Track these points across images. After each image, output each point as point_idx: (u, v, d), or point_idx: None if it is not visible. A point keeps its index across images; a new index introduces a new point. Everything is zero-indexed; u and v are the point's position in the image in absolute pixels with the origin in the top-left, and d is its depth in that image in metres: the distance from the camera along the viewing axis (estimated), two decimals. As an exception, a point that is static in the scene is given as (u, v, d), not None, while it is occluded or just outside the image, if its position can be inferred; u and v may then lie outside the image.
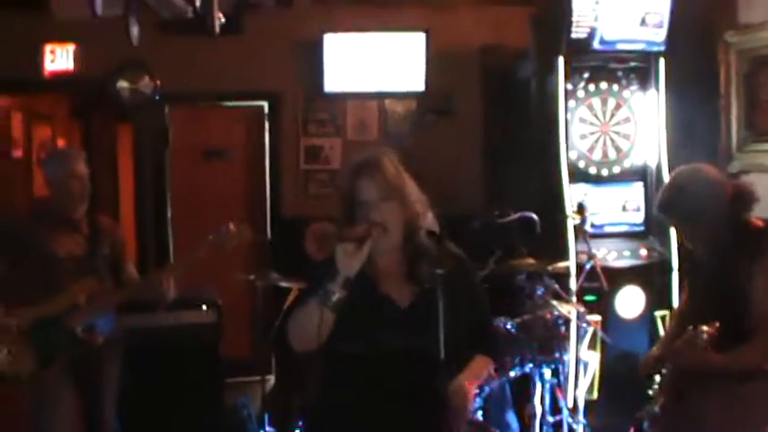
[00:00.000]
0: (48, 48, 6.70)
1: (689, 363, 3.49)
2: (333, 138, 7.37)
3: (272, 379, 6.87)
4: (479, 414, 4.93)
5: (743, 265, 3.49)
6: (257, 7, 6.60)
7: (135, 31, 4.59)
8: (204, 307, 5.79)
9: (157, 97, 6.89)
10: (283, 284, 5.36)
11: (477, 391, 4.22)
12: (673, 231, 5.96)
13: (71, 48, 6.75)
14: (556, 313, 5.23)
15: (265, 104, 7.38)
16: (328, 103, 7.30)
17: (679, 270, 6.00)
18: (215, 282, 5.99)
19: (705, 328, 3.36)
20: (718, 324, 3.35)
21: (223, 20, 4.74)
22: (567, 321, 5.38)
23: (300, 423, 5.08)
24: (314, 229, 7.08)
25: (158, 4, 4.36)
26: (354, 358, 2.94)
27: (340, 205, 3.01)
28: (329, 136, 7.37)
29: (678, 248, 6.01)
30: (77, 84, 6.86)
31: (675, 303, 5.88)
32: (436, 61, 7.15)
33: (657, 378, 3.86)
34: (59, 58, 6.75)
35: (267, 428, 5.41)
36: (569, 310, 5.34)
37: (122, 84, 6.80)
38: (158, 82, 6.82)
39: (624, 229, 6.39)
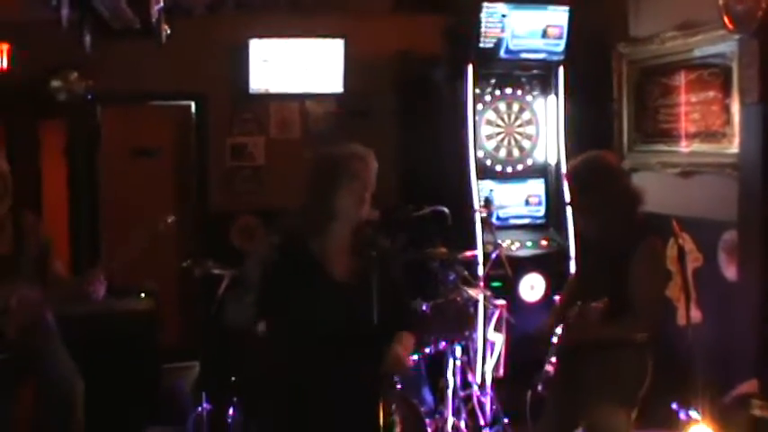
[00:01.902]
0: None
1: (581, 334, 4.03)
2: (257, 136, 7.64)
3: (197, 365, 7.20)
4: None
5: (626, 252, 4.05)
6: (188, 13, 6.87)
7: (88, 38, 4.90)
8: (142, 294, 6.09)
9: (90, 97, 7.10)
10: (217, 272, 5.68)
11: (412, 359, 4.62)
12: (570, 223, 6.55)
13: (5, 47, 6.82)
14: (465, 297, 5.72)
15: (192, 104, 7.59)
16: (253, 103, 7.55)
17: (574, 259, 6.55)
18: (146, 271, 6.29)
19: (595, 304, 3.92)
20: (607, 300, 3.89)
21: (169, 31, 5.10)
22: (475, 304, 5.89)
23: (235, 399, 5.51)
24: (240, 223, 7.48)
25: (111, 16, 4.71)
26: (300, 328, 3.39)
27: (323, 181, 3.44)
28: (253, 134, 7.63)
29: (575, 239, 6.53)
30: (9, 83, 6.85)
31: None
32: (354, 65, 7.47)
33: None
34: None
35: (204, 405, 5.71)
36: (477, 294, 5.85)
37: (56, 83, 6.90)
38: (90, 82, 7.03)
39: (527, 221, 6.88)
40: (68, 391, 4.61)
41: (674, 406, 5.47)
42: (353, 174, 3.41)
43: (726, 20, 5.18)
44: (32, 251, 4.49)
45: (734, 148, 5.66)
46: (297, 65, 7.49)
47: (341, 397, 3.41)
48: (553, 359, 4.21)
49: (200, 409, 5.72)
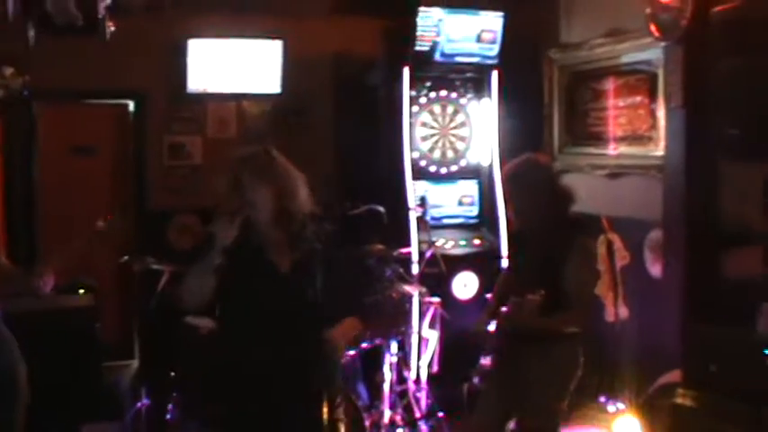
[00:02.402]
0: None
1: (518, 323, 4.21)
2: (194, 135, 7.64)
3: (135, 362, 7.23)
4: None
5: (560, 250, 4.23)
6: (126, 11, 6.87)
7: (32, 33, 4.92)
8: (81, 290, 6.11)
9: (26, 93, 7.04)
10: (156, 267, 5.73)
11: (350, 343, 4.76)
12: (502, 223, 6.72)
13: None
14: (401, 293, 5.85)
15: (131, 103, 7.57)
16: (191, 103, 7.55)
17: (508, 256, 6.71)
18: (85, 268, 6.30)
19: (531, 296, 4.08)
20: (543, 292, 4.06)
21: (113, 28, 5.15)
22: (411, 300, 6.03)
23: (175, 394, 5.57)
24: (177, 221, 7.52)
25: (56, 12, 4.76)
26: (243, 314, 3.57)
27: (229, 187, 3.59)
28: (191, 134, 7.63)
29: (508, 235, 6.71)
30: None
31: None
32: (292, 66, 7.53)
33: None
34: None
35: (143, 401, 5.77)
36: (413, 290, 5.98)
37: None
38: (27, 78, 6.98)
39: (460, 221, 7.06)
40: (14, 378, 4.63)
41: (603, 399, 5.70)
42: (237, 180, 3.58)
43: (652, 28, 5.41)
44: None
45: (659, 150, 5.90)
46: (235, 65, 7.51)
47: (282, 385, 3.56)
48: (489, 353, 4.39)
49: (139, 404, 5.76)
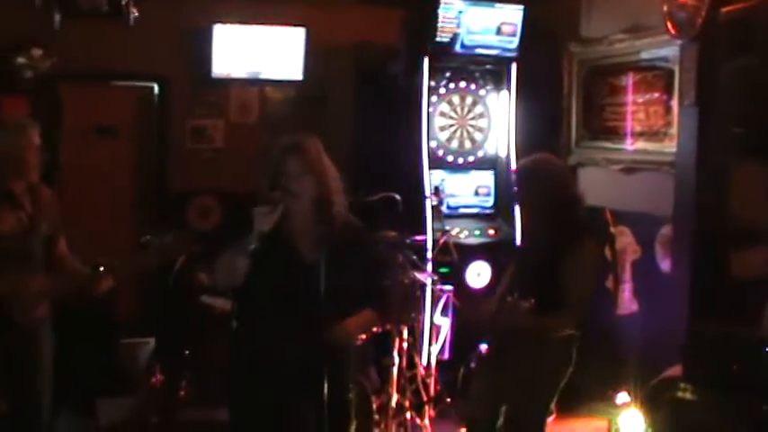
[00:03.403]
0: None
1: (511, 323, 4.29)
2: (216, 119, 7.79)
3: (152, 341, 7.35)
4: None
5: (564, 251, 4.29)
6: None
7: (58, 17, 5.03)
8: (102, 268, 6.21)
9: (53, 74, 7.15)
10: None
11: (363, 334, 4.90)
12: (517, 214, 6.79)
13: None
14: (413, 279, 5.94)
15: (155, 86, 7.71)
16: (214, 87, 7.68)
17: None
18: (105, 247, 6.41)
19: (524, 303, 4.15)
20: (533, 301, 4.11)
21: (137, 14, 5.28)
22: (422, 287, 6.11)
23: (189, 372, 5.70)
24: (197, 203, 7.65)
25: (82, -2, 4.91)
26: (268, 295, 3.67)
27: (267, 174, 3.68)
28: (213, 117, 7.78)
29: (521, 230, 6.78)
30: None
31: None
32: (314, 54, 7.67)
33: None
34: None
35: (158, 377, 5.88)
36: (425, 277, 6.06)
37: (21, 60, 6.88)
38: (54, 59, 7.11)
39: (476, 210, 7.13)
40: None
41: (611, 391, 5.79)
42: (276, 168, 3.66)
43: (668, 25, 5.47)
44: (44, 230, 4.26)
45: (674, 147, 5.94)
46: (259, 51, 7.63)
47: (293, 370, 3.65)
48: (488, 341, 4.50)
49: (153, 380, 5.89)
